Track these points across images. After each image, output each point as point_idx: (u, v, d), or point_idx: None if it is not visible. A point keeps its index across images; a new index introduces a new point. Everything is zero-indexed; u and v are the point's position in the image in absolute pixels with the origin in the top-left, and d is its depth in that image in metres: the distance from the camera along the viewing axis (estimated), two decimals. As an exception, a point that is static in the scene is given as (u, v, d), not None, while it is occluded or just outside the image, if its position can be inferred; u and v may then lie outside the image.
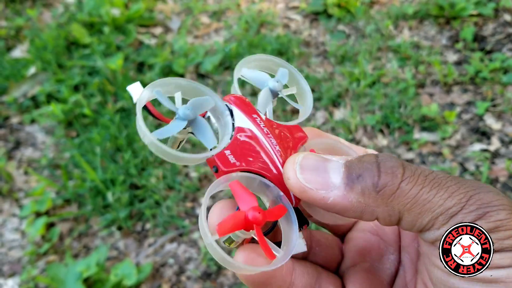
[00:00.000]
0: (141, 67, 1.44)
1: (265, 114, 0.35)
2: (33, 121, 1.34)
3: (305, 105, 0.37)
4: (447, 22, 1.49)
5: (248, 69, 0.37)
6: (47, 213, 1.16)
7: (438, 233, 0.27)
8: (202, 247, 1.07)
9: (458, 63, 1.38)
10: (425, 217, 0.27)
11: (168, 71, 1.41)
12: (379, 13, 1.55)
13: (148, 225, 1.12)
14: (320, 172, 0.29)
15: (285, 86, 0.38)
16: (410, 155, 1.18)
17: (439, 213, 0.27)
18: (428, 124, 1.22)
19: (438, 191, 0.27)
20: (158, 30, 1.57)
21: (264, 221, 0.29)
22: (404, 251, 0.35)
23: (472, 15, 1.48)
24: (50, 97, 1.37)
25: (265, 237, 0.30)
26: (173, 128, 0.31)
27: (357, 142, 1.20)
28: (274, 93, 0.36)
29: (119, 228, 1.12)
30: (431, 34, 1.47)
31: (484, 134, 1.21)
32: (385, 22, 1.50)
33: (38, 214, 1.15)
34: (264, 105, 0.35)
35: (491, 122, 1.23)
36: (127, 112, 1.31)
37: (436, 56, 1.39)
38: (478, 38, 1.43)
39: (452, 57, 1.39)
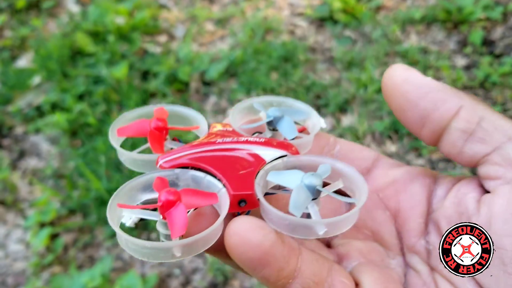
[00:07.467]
0: (146, 75, 1.44)
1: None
2: (37, 130, 1.33)
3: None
4: (455, 27, 1.47)
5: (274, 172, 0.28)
6: (51, 223, 1.14)
7: None
8: (209, 257, 1.05)
9: (467, 68, 1.36)
10: None
11: (173, 79, 1.40)
12: (385, 18, 1.53)
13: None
14: None
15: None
16: (420, 161, 1.16)
17: None
18: (437, 129, 1.20)
19: None
20: (162, 38, 1.57)
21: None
22: (410, 252, 0.32)
23: (480, 19, 1.46)
24: (55, 107, 1.36)
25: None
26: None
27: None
28: (312, 191, 0.27)
29: (124, 238, 1.11)
30: (439, 39, 1.45)
31: (495, 140, 1.18)
32: (392, 27, 1.48)
33: (42, 225, 1.14)
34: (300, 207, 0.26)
35: (502, 127, 1.21)
36: (132, 121, 1.30)
37: (444, 61, 1.37)
38: (487, 42, 1.41)
39: (460, 61, 1.38)
